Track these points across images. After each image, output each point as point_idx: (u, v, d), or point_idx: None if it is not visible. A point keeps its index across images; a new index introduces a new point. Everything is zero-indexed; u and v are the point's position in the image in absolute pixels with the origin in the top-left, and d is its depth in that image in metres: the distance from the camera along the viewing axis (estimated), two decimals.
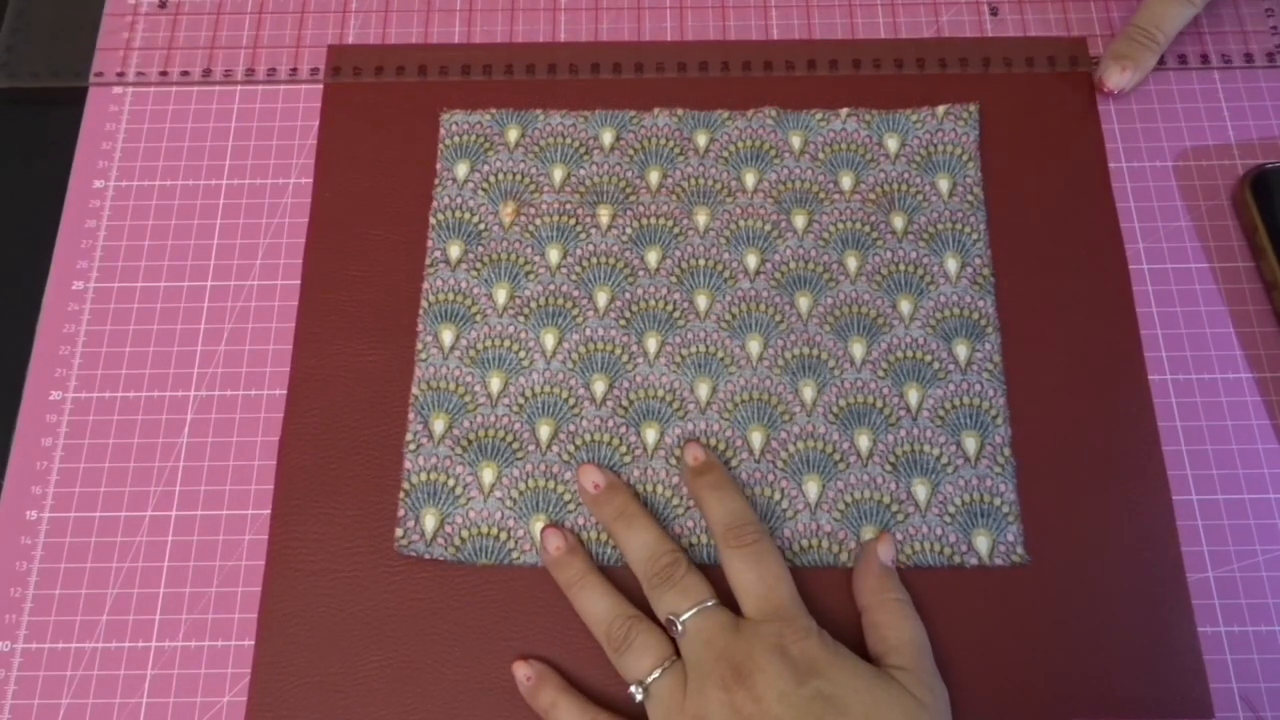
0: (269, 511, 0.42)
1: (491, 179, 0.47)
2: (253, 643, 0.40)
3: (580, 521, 0.41)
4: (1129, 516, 0.41)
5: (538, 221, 0.46)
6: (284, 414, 0.43)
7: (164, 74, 0.50)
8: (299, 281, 0.46)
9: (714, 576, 0.39)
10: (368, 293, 0.45)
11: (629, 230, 0.46)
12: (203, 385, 0.44)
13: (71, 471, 0.43)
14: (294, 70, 0.50)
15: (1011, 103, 0.48)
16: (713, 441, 0.42)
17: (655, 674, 0.36)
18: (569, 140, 0.48)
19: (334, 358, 0.44)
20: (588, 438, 0.42)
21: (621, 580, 0.40)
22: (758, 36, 0.50)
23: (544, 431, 0.43)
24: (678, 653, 0.37)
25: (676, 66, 0.49)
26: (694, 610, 0.37)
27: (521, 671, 0.39)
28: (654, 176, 0.47)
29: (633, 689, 0.37)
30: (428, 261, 0.46)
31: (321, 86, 0.49)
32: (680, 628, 0.37)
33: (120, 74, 0.50)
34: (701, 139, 0.47)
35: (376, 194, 0.47)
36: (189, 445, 0.43)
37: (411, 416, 0.43)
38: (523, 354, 0.44)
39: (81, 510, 0.42)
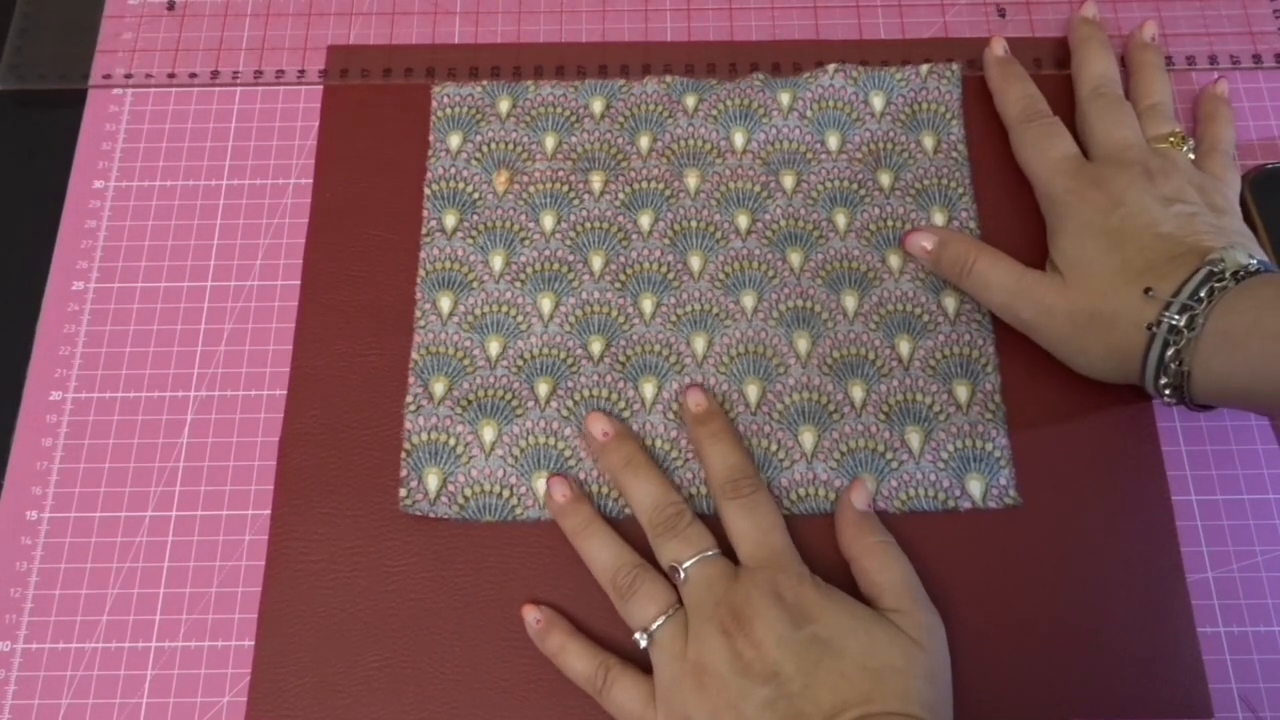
0: (269, 511, 0.42)
1: (484, 149, 0.47)
2: (253, 643, 0.40)
3: (581, 476, 0.42)
4: (1129, 517, 0.41)
5: (531, 189, 0.47)
6: (284, 414, 0.43)
7: (165, 75, 0.50)
8: (299, 281, 0.46)
9: (715, 528, 0.40)
10: (368, 293, 0.45)
11: (621, 195, 0.46)
12: (203, 385, 0.44)
13: (71, 471, 0.43)
14: (295, 71, 0.50)
15: None
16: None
17: (659, 621, 0.37)
18: (560, 110, 0.48)
19: (334, 358, 0.44)
20: (586, 394, 0.43)
21: (624, 532, 0.40)
22: (763, 37, 0.50)
23: (543, 389, 0.43)
24: (681, 602, 0.38)
25: (684, 68, 0.49)
26: (696, 558, 0.38)
27: (531, 615, 0.40)
28: (644, 141, 0.47)
29: (637, 636, 0.38)
30: (424, 231, 0.46)
31: (321, 87, 0.49)
32: (683, 575, 0.38)
33: (123, 75, 0.50)
34: (690, 100, 0.48)
35: (376, 194, 0.47)
36: (189, 445, 0.43)
37: (411, 380, 0.43)
38: (520, 318, 0.44)
39: (81, 510, 0.42)
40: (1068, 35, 0.49)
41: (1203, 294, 0.36)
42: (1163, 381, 0.38)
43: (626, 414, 0.43)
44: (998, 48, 0.48)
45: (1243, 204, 0.45)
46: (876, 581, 0.38)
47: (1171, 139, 0.44)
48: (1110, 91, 0.45)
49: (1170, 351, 0.37)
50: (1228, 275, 0.37)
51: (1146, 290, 0.38)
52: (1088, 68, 0.46)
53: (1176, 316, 0.37)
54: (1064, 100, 0.47)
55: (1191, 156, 0.44)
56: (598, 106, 0.48)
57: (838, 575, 0.38)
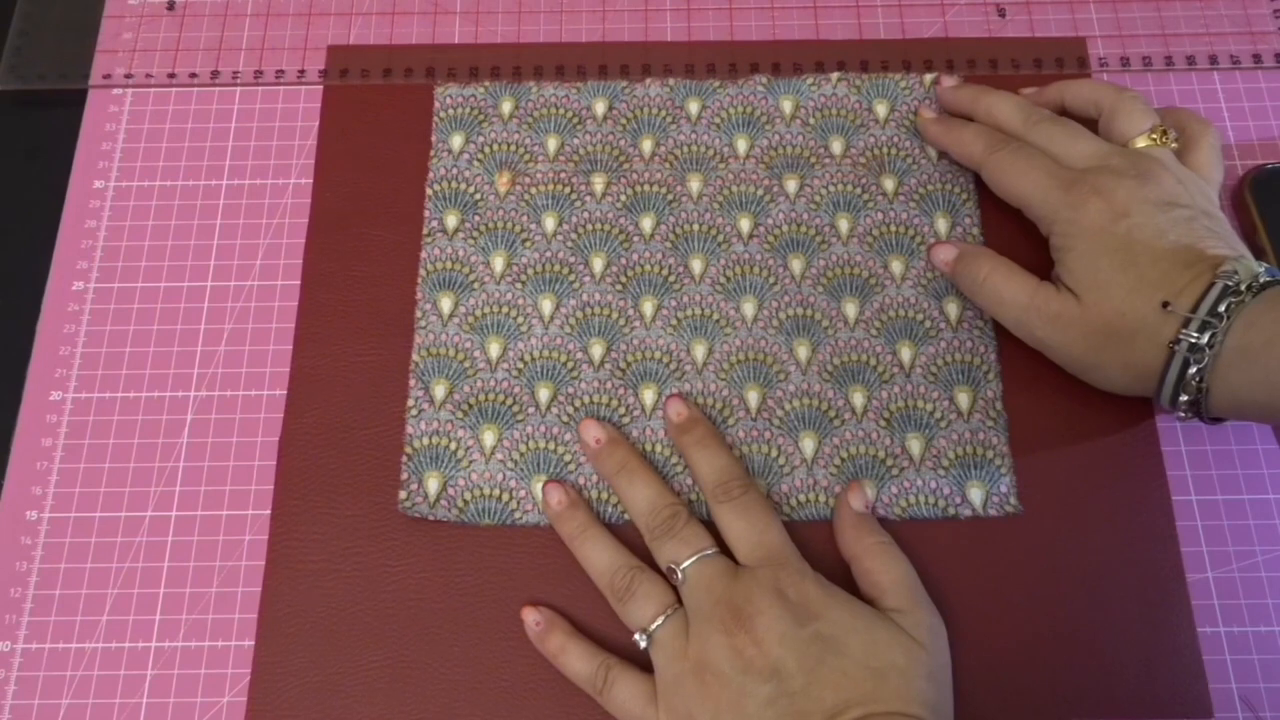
0: (269, 511, 0.42)
1: (486, 150, 0.47)
2: (253, 643, 0.40)
3: (581, 481, 0.42)
4: (1130, 517, 0.41)
5: (533, 190, 0.47)
6: (284, 414, 0.43)
7: (165, 75, 0.50)
8: (299, 281, 0.46)
9: (713, 528, 0.39)
10: (368, 293, 0.45)
11: (623, 197, 0.46)
12: (203, 385, 0.44)
13: (71, 471, 0.43)
14: (295, 71, 0.50)
15: None
16: (710, 401, 0.43)
17: (658, 621, 0.37)
18: (562, 111, 0.48)
19: (334, 358, 0.44)
20: (586, 399, 0.43)
21: (624, 537, 0.40)
22: (763, 37, 0.50)
23: (543, 394, 0.43)
24: (679, 602, 0.38)
25: (684, 69, 0.49)
26: (694, 558, 0.38)
27: (531, 617, 0.40)
28: (647, 145, 0.47)
29: (637, 637, 0.38)
30: (425, 231, 0.46)
31: (321, 87, 0.49)
32: (681, 575, 0.38)
33: (123, 75, 0.50)
34: (693, 107, 0.48)
35: (376, 194, 0.47)
36: (189, 445, 0.43)
37: (412, 383, 0.43)
38: (521, 320, 0.44)
39: (81, 510, 0.42)
40: (949, 111, 0.47)
41: (1221, 309, 0.36)
42: (1183, 398, 0.38)
43: (626, 420, 0.43)
44: (926, 112, 0.47)
45: (1242, 204, 0.45)
46: (878, 582, 0.38)
47: (1154, 134, 0.42)
48: (1044, 115, 0.44)
49: (1192, 370, 0.37)
50: (1243, 288, 0.36)
51: (1164, 305, 0.37)
52: (1000, 109, 0.44)
53: (1196, 334, 0.36)
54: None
55: (1175, 146, 0.42)
56: (600, 108, 0.48)
57: (838, 580, 0.38)
